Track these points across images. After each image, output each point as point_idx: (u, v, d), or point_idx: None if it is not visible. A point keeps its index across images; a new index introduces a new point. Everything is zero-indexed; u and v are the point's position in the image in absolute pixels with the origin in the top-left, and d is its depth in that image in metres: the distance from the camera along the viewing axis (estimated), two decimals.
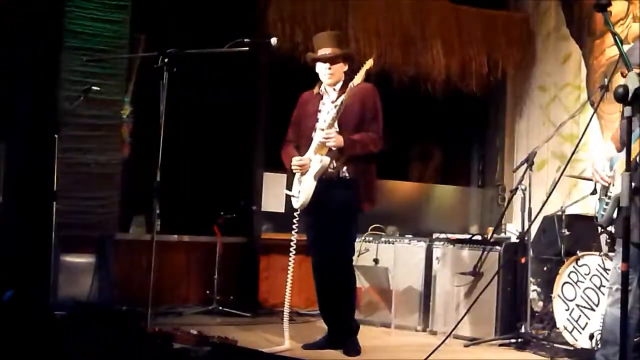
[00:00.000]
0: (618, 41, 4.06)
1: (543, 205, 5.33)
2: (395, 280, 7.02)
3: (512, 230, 7.49)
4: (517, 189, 6.51)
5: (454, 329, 5.37)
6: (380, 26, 8.33)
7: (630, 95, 3.50)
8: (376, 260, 7.11)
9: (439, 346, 4.91)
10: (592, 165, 4.87)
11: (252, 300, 7.70)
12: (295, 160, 5.70)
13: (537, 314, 6.78)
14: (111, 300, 6.68)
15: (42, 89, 6.68)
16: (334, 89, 5.76)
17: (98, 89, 6.37)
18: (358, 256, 6.15)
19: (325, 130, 5.55)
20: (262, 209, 7.96)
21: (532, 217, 6.26)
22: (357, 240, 6.53)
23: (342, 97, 5.55)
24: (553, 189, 5.66)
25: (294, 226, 5.73)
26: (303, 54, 7.74)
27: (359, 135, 5.64)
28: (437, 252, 6.95)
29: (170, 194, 5.48)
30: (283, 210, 8.00)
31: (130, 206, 7.28)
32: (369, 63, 5.56)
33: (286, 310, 5.89)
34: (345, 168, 5.67)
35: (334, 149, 5.58)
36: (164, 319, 6.35)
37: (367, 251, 7.15)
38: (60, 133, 6.21)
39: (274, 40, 5.53)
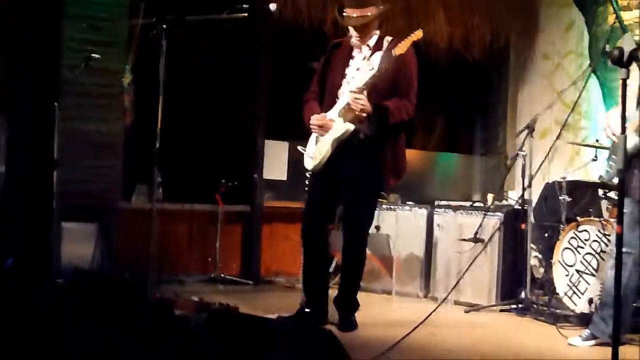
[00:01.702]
0: (615, 5, 4.03)
1: (537, 171, 5.31)
2: (397, 247, 7.04)
3: (513, 197, 7.49)
4: (517, 155, 6.53)
5: (449, 292, 5.38)
6: None
7: (625, 57, 3.48)
8: (378, 227, 7.11)
9: (434, 310, 4.93)
10: (606, 119, 4.86)
11: (254, 269, 7.73)
12: (315, 119, 5.35)
13: (537, 280, 6.80)
14: (113, 269, 6.70)
15: (42, 58, 6.67)
16: (367, 45, 5.39)
17: (99, 56, 6.32)
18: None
19: (356, 94, 5.17)
20: (264, 177, 7.94)
21: (530, 183, 6.31)
22: None
23: (378, 61, 5.17)
24: (548, 154, 5.61)
25: (306, 188, 5.51)
26: (307, 20, 7.77)
27: (392, 102, 5.24)
28: (438, 219, 6.96)
29: (172, 163, 5.49)
30: (285, 178, 8.05)
31: (133, 175, 7.30)
32: (418, 34, 5.15)
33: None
34: (371, 136, 5.27)
35: (362, 115, 5.21)
36: (166, 287, 6.38)
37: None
38: (60, 101, 6.17)
39: (272, 6, 5.51)
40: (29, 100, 6.68)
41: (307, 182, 5.51)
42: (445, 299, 5.33)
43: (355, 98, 5.14)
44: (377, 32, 5.41)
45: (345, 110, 5.25)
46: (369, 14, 5.29)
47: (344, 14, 5.37)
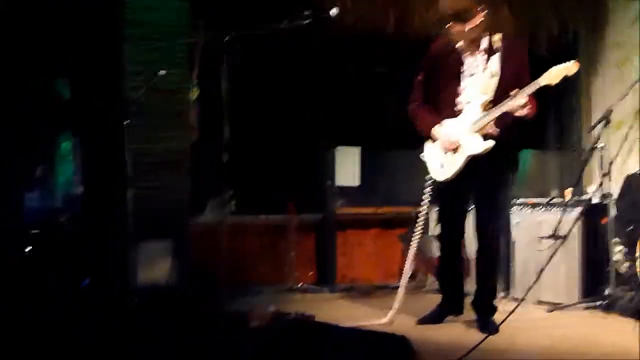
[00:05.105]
0: None
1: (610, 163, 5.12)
2: (473, 248, 6.90)
3: (591, 191, 7.30)
4: (594, 148, 6.36)
5: (528, 290, 5.24)
6: None
7: None
8: None
9: (512, 312, 4.80)
10: None
11: (329, 277, 7.69)
12: (446, 139, 5.26)
13: (622, 276, 6.61)
14: (189, 283, 6.72)
15: (105, 80, 6.73)
16: (480, 48, 5.26)
17: (164, 72, 6.34)
18: (435, 225, 6.04)
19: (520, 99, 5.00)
20: (337, 184, 7.89)
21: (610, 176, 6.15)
22: (433, 209, 6.39)
23: (498, 66, 5.12)
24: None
25: (424, 196, 5.53)
26: (368, 25, 7.70)
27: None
28: (515, 217, 6.81)
29: (243, 175, 5.47)
30: (358, 184, 7.99)
31: (204, 190, 7.31)
32: (573, 69, 4.98)
33: (403, 281, 5.82)
34: (500, 139, 5.19)
35: (495, 131, 5.13)
36: (243, 299, 6.36)
37: None
38: (128, 123, 6.21)
39: (334, 12, 5.43)
40: (98, 122, 6.76)
41: (426, 187, 5.52)
42: (523, 298, 5.18)
43: (522, 105, 5.03)
44: (487, 34, 5.28)
45: (480, 125, 5.16)
46: (478, 22, 5.18)
47: (452, 31, 5.23)
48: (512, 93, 5.02)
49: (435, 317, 5.59)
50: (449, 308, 5.64)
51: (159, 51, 6.71)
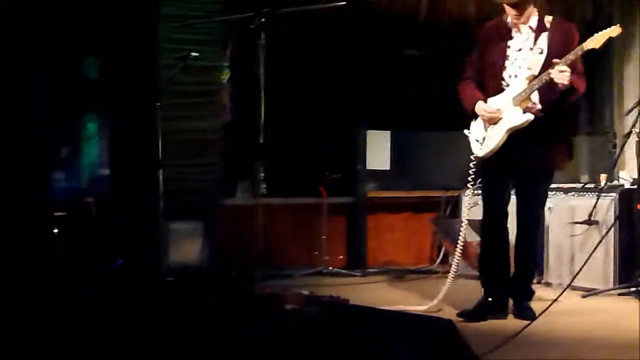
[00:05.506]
0: None
1: None
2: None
3: (625, 176, 7.21)
4: (630, 133, 6.27)
5: (571, 281, 5.19)
6: None
7: None
8: None
9: (554, 301, 4.74)
10: None
11: (360, 260, 7.66)
12: (484, 109, 5.19)
13: None
14: (220, 266, 6.71)
15: (139, 58, 6.70)
16: (529, 26, 5.17)
17: (197, 54, 6.29)
18: (469, 209, 5.95)
19: (560, 66, 4.86)
20: (367, 168, 7.84)
21: None
22: (468, 194, 6.32)
23: (546, 44, 5.04)
24: None
25: (469, 177, 5.39)
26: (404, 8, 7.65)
27: (573, 78, 4.96)
28: (549, 202, 6.72)
29: (274, 157, 5.44)
30: (388, 168, 7.95)
31: (235, 171, 7.29)
32: (616, 30, 4.92)
33: (453, 267, 5.63)
34: (544, 116, 5.10)
35: (535, 106, 5.07)
36: (273, 282, 6.35)
37: (476, 204, 6.95)
38: (160, 102, 6.18)
39: None
40: (129, 102, 6.73)
41: (472, 167, 5.37)
42: (569, 285, 5.14)
43: (561, 70, 4.87)
44: (536, 11, 5.19)
45: (521, 99, 5.08)
46: None
47: None
48: (554, 61, 4.93)
49: (475, 314, 5.30)
50: (491, 307, 5.33)
51: (193, 29, 6.67)
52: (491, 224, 5.44)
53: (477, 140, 5.31)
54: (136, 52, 6.73)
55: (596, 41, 4.91)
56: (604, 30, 4.94)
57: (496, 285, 5.39)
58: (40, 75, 6.52)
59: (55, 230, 6.35)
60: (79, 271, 6.12)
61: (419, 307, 5.53)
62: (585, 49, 4.91)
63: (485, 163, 5.33)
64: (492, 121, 5.19)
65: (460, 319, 5.20)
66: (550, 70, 4.94)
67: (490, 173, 5.35)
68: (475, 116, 5.31)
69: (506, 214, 5.41)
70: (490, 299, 5.35)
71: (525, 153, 5.15)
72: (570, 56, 4.91)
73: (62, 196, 6.72)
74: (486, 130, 5.25)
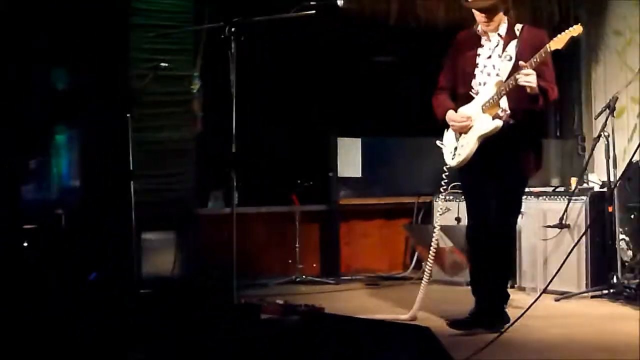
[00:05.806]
0: None
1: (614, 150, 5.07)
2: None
3: (594, 179, 7.28)
4: (600, 136, 6.34)
5: (546, 286, 5.23)
6: None
7: None
8: (458, 219, 6.97)
9: (530, 306, 4.76)
10: None
11: (334, 268, 7.67)
12: (454, 119, 5.19)
13: (627, 264, 6.60)
14: (194, 276, 6.68)
15: (111, 69, 6.67)
16: (498, 34, 5.18)
17: (167, 65, 6.28)
18: (440, 215, 5.96)
19: (526, 70, 4.85)
20: (339, 175, 7.86)
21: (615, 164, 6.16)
22: (438, 199, 6.35)
23: (514, 51, 5.05)
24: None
25: (442, 183, 5.37)
26: (373, 14, 7.68)
27: (542, 83, 4.97)
28: None
29: (246, 166, 5.43)
30: (360, 175, 7.96)
31: (207, 181, 7.27)
32: (577, 29, 4.92)
33: (426, 274, 5.61)
34: (515, 123, 5.10)
35: (505, 113, 5.07)
36: (248, 291, 6.32)
37: (448, 210, 7.00)
38: (132, 112, 6.14)
39: (340, 2, 5.37)
40: (100, 113, 6.69)
41: (444, 178, 5.37)
42: (544, 290, 5.18)
43: (526, 74, 4.87)
44: (506, 19, 5.21)
45: (490, 106, 5.09)
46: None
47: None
48: (520, 64, 4.94)
49: (466, 324, 5.19)
50: (482, 320, 5.16)
51: (165, 39, 6.66)
52: (477, 234, 5.37)
53: (450, 150, 5.31)
54: (106, 62, 6.69)
55: (559, 41, 4.92)
56: (566, 30, 4.95)
57: (486, 297, 5.29)
58: (9, 87, 6.46)
59: (25, 244, 6.29)
60: (51, 285, 6.06)
61: (401, 315, 5.50)
62: (549, 50, 4.92)
63: (464, 174, 5.34)
64: (463, 130, 5.19)
65: (454, 330, 5.12)
66: (516, 75, 4.96)
67: (470, 184, 5.36)
68: (447, 126, 5.32)
69: (492, 222, 5.30)
70: (479, 313, 5.24)
71: (498, 160, 5.15)
72: (536, 59, 4.92)
73: (31, 208, 6.65)
74: (457, 139, 5.25)
